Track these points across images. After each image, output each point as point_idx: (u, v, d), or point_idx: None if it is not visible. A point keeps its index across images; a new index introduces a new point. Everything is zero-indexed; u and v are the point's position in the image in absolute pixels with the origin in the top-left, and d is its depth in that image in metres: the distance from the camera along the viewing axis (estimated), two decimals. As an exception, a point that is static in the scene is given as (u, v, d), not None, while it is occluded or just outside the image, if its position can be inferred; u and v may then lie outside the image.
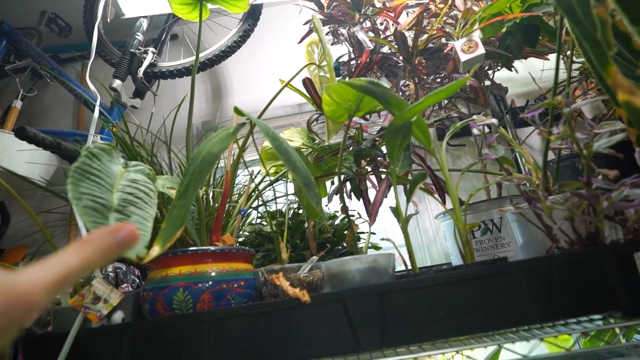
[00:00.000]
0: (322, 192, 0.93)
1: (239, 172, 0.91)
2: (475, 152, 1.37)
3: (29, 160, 0.93)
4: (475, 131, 0.59)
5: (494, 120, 0.57)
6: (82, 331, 0.53)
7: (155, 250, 0.41)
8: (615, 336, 0.65)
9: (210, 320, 0.53)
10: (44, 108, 1.75)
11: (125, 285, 0.91)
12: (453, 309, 0.49)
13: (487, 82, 1.10)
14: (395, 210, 0.58)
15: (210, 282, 0.56)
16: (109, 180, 0.51)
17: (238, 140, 0.75)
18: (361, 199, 0.80)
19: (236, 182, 0.92)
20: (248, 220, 0.94)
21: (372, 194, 0.78)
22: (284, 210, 0.86)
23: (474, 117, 0.59)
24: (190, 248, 0.60)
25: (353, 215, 0.82)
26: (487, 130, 0.60)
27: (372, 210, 0.62)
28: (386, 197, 0.68)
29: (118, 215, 0.45)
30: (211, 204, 0.80)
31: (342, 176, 0.74)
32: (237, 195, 0.93)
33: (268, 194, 0.97)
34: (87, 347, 0.53)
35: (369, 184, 0.84)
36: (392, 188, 0.63)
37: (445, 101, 1.21)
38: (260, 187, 0.86)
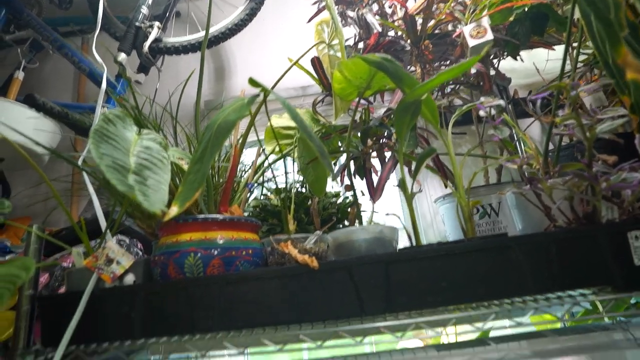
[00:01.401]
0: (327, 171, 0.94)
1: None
2: (476, 141, 1.38)
3: (36, 128, 0.93)
4: (482, 113, 0.61)
5: (502, 102, 0.58)
6: (96, 291, 0.55)
7: (174, 210, 0.43)
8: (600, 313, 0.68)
9: (221, 284, 0.55)
10: (44, 80, 1.73)
11: (129, 256, 0.93)
12: (454, 279, 0.52)
13: (492, 72, 1.11)
14: (402, 185, 0.60)
15: (220, 249, 0.58)
16: (124, 144, 0.52)
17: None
18: (364, 178, 0.82)
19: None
20: (252, 197, 0.95)
21: (374, 178, 0.80)
22: (288, 186, 0.87)
23: (482, 98, 0.61)
24: (200, 215, 0.61)
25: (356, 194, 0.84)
26: (493, 112, 0.61)
27: (378, 186, 0.64)
28: (391, 174, 0.70)
29: (136, 177, 0.46)
30: (216, 179, 0.81)
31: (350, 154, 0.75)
32: (241, 172, 0.94)
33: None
34: (101, 306, 0.55)
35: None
36: (397, 166, 0.64)
37: (449, 89, 1.22)
38: (268, 161, 0.87)
